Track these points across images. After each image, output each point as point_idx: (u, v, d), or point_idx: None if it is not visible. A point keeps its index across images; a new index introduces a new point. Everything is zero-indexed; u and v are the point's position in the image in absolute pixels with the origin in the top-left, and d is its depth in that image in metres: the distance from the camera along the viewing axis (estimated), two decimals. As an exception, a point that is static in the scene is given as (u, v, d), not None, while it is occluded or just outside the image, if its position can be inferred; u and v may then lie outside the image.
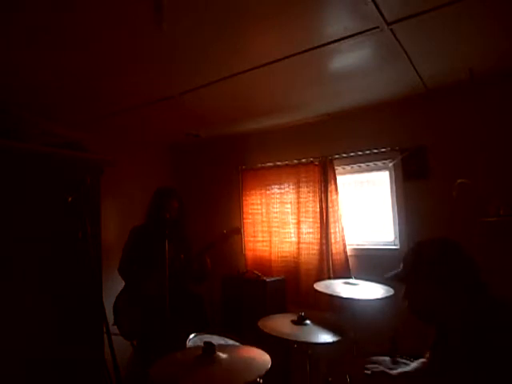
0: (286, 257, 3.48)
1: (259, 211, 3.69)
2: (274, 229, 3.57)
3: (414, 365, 1.54)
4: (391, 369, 1.62)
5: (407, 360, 1.88)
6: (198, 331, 2.14)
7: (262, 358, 1.57)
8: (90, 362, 2.00)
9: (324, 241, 3.25)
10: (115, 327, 2.59)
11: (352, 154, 3.21)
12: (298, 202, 3.43)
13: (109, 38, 1.88)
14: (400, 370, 1.54)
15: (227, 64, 2.21)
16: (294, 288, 3.36)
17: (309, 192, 3.37)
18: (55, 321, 1.89)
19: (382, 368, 1.54)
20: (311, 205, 3.34)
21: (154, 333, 2.49)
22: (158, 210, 2.75)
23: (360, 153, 3.17)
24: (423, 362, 1.50)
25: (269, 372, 1.47)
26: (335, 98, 2.89)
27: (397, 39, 1.94)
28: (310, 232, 3.33)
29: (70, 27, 1.75)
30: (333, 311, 2.99)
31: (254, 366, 1.49)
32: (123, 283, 2.76)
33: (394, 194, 3.07)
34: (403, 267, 1.40)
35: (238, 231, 2.96)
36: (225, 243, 2.88)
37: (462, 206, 2.61)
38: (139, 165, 3.84)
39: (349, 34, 1.87)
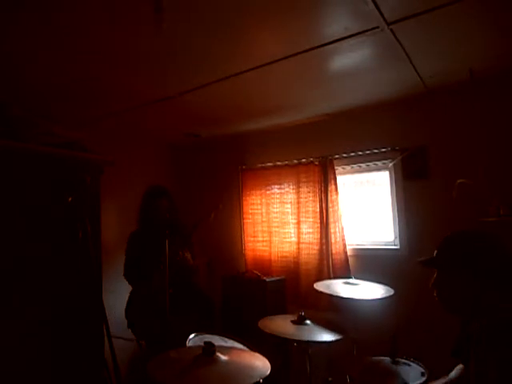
0: (286, 257, 3.48)
1: (259, 211, 3.69)
2: (274, 229, 3.57)
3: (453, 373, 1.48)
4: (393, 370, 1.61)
5: (408, 360, 1.89)
6: (205, 331, 2.14)
7: (261, 362, 1.57)
8: (90, 362, 2.00)
9: (324, 241, 3.25)
10: (129, 331, 2.66)
11: (352, 154, 3.21)
12: (298, 202, 3.43)
13: (109, 38, 1.88)
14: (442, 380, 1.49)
15: (227, 64, 2.21)
16: (293, 288, 3.36)
17: (309, 192, 3.37)
18: (55, 321, 1.89)
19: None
20: (311, 205, 3.34)
21: (160, 333, 2.49)
22: (151, 211, 2.76)
23: (360, 153, 3.17)
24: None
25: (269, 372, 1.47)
26: (335, 98, 2.89)
27: (397, 39, 1.94)
28: (309, 232, 3.33)
29: (70, 27, 1.75)
30: (333, 311, 2.99)
31: (254, 371, 1.48)
32: (124, 283, 2.76)
33: (394, 194, 3.07)
34: (438, 254, 1.34)
35: (216, 206, 3.00)
36: (207, 221, 2.93)
37: (462, 206, 2.61)
38: (139, 165, 3.83)
39: (349, 34, 1.87)
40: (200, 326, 2.26)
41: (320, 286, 2.59)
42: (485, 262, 1.22)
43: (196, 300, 2.81)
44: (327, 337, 2.07)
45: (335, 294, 2.44)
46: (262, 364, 1.55)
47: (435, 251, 1.35)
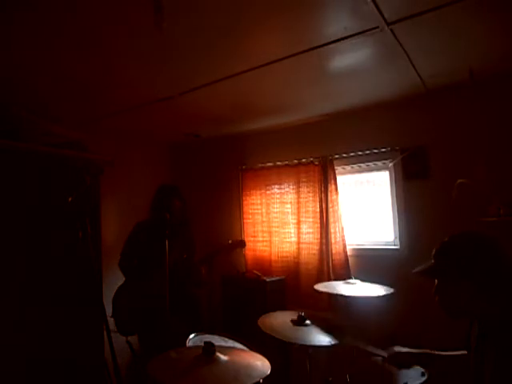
0: (286, 257, 3.47)
1: (259, 211, 3.69)
2: (274, 229, 3.57)
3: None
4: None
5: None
6: (194, 331, 2.14)
7: (261, 362, 1.57)
8: (90, 361, 2.00)
9: (324, 241, 3.25)
10: (112, 320, 2.58)
11: (352, 154, 3.21)
12: (298, 202, 3.42)
13: (109, 38, 1.88)
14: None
15: (227, 64, 2.20)
16: (293, 288, 3.36)
17: (309, 192, 3.37)
18: (55, 320, 1.89)
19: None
20: (311, 205, 3.34)
21: (154, 332, 2.49)
22: (160, 208, 2.73)
23: (360, 153, 3.17)
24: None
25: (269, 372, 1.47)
26: (335, 98, 2.89)
27: (397, 39, 1.94)
28: (309, 232, 3.33)
29: (70, 27, 1.75)
30: (333, 311, 2.99)
31: (254, 371, 1.48)
32: (123, 281, 2.75)
33: (394, 194, 3.07)
34: (436, 262, 1.33)
35: (242, 244, 2.98)
36: (228, 254, 2.89)
37: (462, 206, 2.61)
38: (139, 165, 3.84)
39: (349, 33, 1.87)
40: (190, 325, 2.26)
41: (320, 286, 2.59)
42: (482, 267, 1.21)
43: (183, 298, 2.79)
44: (327, 340, 2.06)
45: (335, 292, 2.44)
46: (261, 364, 1.55)
47: (432, 260, 1.35)
